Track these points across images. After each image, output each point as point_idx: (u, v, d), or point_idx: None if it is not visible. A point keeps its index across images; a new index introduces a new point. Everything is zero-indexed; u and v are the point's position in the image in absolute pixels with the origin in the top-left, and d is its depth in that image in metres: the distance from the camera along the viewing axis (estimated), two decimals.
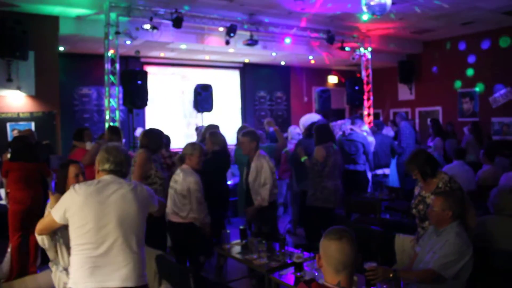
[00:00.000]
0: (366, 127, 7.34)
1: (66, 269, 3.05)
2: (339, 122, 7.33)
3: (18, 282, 4.96)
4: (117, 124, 7.76)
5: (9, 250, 5.04)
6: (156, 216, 3.06)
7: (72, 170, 3.40)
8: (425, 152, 3.67)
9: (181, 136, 10.44)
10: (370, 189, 7.13)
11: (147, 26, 7.60)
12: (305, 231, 5.91)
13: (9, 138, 7.02)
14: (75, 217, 2.51)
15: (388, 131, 8.24)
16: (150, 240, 3.26)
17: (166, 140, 6.55)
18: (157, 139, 4.67)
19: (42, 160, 5.58)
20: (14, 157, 5.11)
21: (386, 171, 7.59)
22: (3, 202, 5.51)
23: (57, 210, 2.59)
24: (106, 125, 7.75)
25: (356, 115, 8.12)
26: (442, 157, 7.84)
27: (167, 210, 4.23)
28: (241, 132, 5.21)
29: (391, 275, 2.79)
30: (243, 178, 5.20)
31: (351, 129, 6.87)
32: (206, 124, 7.49)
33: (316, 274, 3.11)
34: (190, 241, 4.27)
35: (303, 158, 5.59)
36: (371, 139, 7.10)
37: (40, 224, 2.77)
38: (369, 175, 7.17)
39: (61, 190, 3.36)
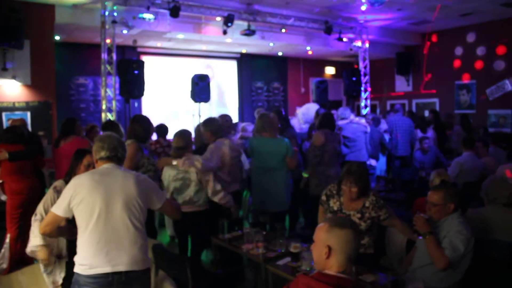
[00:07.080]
0: (363, 120, 7.33)
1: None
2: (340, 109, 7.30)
3: (15, 274, 4.92)
4: (113, 114, 7.74)
5: (7, 241, 5.01)
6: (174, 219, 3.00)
7: (87, 159, 3.42)
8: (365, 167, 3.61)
9: (177, 126, 10.39)
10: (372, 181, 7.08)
11: (148, 16, 7.53)
12: (305, 221, 5.93)
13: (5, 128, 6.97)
14: (83, 203, 2.56)
15: (384, 126, 8.27)
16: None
17: (164, 129, 6.64)
18: (147, 126, 4.55)
19: (36, 150, 5.52)
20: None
21: (373, 162, 7.57)
22: None
23: (59, 204, 2.61)
24: (103, 115, 7.72)
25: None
26: (437, 148, 7.85)
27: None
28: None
29: (426, 235, 2.91)
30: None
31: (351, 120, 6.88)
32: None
33: (313, 264, 3.10)
34: (206, 226, 4.24)
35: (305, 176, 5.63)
36: (368, 129, 7.09)
37: (43, 223, 2.75)
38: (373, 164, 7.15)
39: (69, 177, 3.33)
